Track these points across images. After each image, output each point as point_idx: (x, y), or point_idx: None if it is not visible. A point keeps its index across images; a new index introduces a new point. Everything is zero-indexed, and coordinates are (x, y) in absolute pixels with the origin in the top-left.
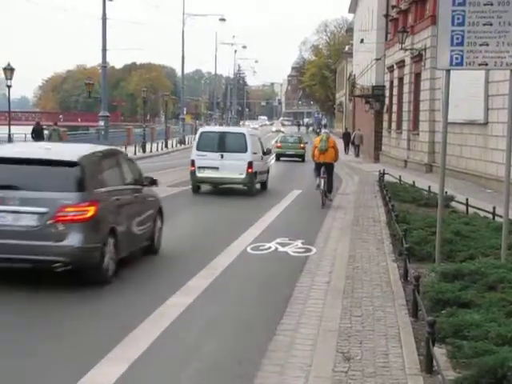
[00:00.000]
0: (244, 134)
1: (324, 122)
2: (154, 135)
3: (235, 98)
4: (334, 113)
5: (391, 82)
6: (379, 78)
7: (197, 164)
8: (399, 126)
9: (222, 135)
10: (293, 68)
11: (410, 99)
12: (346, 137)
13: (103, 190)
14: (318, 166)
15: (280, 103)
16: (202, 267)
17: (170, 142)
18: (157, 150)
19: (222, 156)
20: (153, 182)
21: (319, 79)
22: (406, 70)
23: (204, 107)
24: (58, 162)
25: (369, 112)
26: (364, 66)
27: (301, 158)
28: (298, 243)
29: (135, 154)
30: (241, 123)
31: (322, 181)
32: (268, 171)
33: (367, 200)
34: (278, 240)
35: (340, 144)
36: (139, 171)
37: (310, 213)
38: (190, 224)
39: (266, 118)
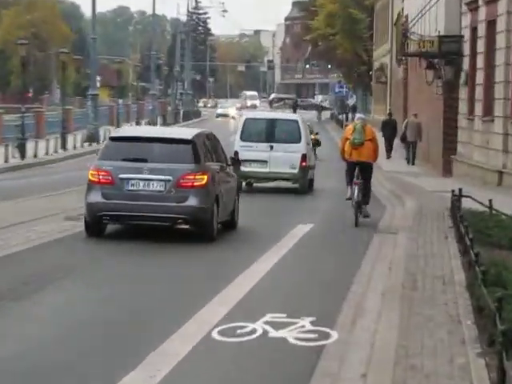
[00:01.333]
0: (297, 121)
1: (352, 101)
2: (42, 127)
3: (188, 58)
4: (370, 86)
5: (473, 30)
6: (451, 23)
7: (241, 156)
8: (489, 111)
9: (272, 122)
10: (294, 3)
11: (508, 60)
12: (390, 128)
13: (209, 163)
14: (351, 167)
15: (272, 67)
16: None
17: (70, 139)
18: (46, 153)
19: (271, 147)
20: (235, 162)
21: (343, 24)
22: (502, 5)
23: (133, 75)
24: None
25: (433, 84)
26: (424, 2)
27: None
28: (305, 323)
29: (6, 161)
30: (207, 103)
31: (356, 188)
32: (315, 166)
33: (431, 243)
34: (269, 317)
35: (379, 141)
36: (224, 151)
37: (327, 263)
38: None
39: (255, 94)
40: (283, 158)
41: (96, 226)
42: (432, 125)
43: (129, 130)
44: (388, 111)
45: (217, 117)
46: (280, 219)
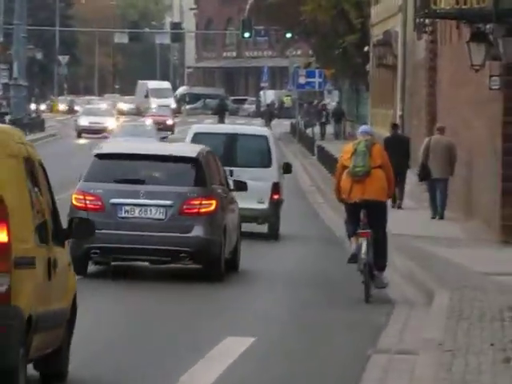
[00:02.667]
0: (266, 138)
1: (331, 101)
2: None
3: (22, 18)
4: (365, 73)
5: None
6: None
7: None
8: None
9: (231, 138)
10: None
11: None
12: (397, 152)
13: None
14: (353, 211)
15: (179, 38)
16: None
17: None
18: None
19: (230, 173)
20: (241, 188)
21: None
22: None
23: None
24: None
25: (484, 71)
26: None
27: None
28: None
29: None
30: (56, 104)
31: (364, 244)
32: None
33: (478, 372)
34: None
35: None
36: (225, 172)
37: None
38: None
39: (166, 86)
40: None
41: (81, 261)
42: (481, 148)
43: (119, 145)
44: (392, 122)
45: (79, 134)
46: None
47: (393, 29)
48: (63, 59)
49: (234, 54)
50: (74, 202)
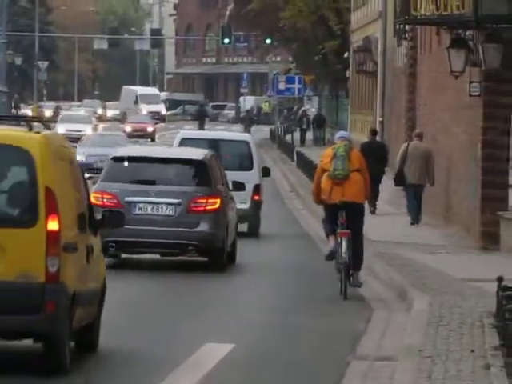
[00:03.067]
0: (248, 143)
1: (311, 106)
2: None
3: (1, 22)
4: (345, 79)
5: None
6: None
7: None
8: None
9: (215, 144)
10: None
11: None
12: (374, 158)
13: (219, 186)
14: (332, 212)
15: (159, 44)
16: None
17: None
18: None
19: None
20: (239, 188)
21: None
22: None
23: None
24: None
25: (464, 77)
26: None
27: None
28: None
29: None
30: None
31: (344, 243)
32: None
33: (458, 379)
34: None
35: None
36: (225, 175)
37: None
38: None
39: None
40: None
41: None
42: (461, 154)
43: (133, 149)
44: (371, 128)
45: None
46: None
47: (373, 35)
48: (42, 65)
49: (214, 59)
50: (93, 200)
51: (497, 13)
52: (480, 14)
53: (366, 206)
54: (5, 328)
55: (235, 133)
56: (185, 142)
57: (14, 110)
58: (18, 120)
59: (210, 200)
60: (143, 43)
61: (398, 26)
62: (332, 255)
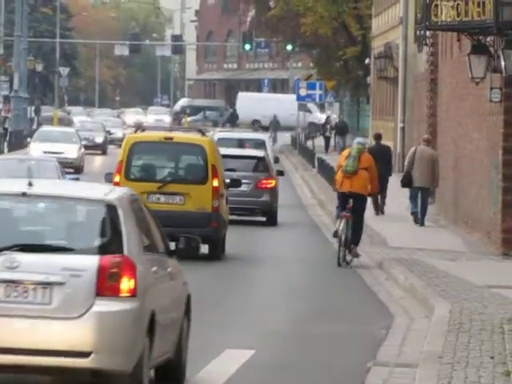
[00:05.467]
0: (264, 141)
1: (331, 113)
2: None
3: (23, 29)
4: (366, 85)
5: None
6: None
7: None
8: None
9: (242, 141)
10: None
11: None
12: (380, 162)
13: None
14: (342, 199)
15: (180, 50)
16: None
17: None
18: None
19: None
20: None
21: None
22: None
23: None
24: (257, 158)
25: (484, 84)
26: None
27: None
28: None
29: None
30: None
31: (343, 222)
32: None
33: None
34: None
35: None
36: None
37: None
38: None
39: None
40: None
41: None
42: (482, 160)
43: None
44: (375, 133)
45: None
46: None
47: (393, 41)
48: (63, 71)
49: (235, 65)
50: None
51: None
52: (501, 21)
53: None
54: (193, 234)
55: (255, 133)
56: (220, 141)
57: (34, 115)
58: (191, 131)
59: (269, 181)
60: (164, 49)
61: (418, 32)
62: (336, 233)
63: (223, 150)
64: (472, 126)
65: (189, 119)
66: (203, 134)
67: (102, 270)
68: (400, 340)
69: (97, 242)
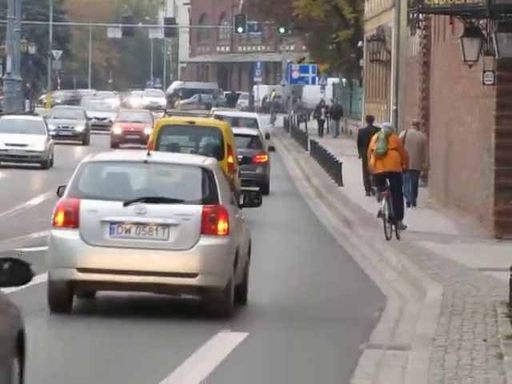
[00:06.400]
0: (256, 119)
1: (324, 95)
2: None
3: (16, 12)
4: (359, 68)
5: None
6: None
7: None
8: None
9: (236, 119)
10: None
11: None
12: (370, 138)
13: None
14: (378, 180)
15: (173, 33)
16: None
17: None
18: None
19: None
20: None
21: None
22: None
23: None
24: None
25: (477, 67)
26: None
27: None
28: None
29: None
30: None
31: (384, 199)
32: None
33: (471, 368)
34: None
35: (354, 164)
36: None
37: None
38: None
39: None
40: None
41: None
42: (474, 143)
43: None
44: (367, 115)
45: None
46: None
47: (386, 24)
48: (57, 54)
49: (228, 48)
50: None
51: (510, 2)
52: (493, 3)
53: (363, 189)
54: None
55: (248, 113)
56: (218, 117)
57: (26, 99)
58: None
59: (263, 156)
60: (157, 32)
61: (411, 15)
62: (380, 213)
63: None
64: (464, 109)
65: (181, 102)
66: (220, 118)
67: (204, 215)
68: (393, 322)
69: (200, 195)
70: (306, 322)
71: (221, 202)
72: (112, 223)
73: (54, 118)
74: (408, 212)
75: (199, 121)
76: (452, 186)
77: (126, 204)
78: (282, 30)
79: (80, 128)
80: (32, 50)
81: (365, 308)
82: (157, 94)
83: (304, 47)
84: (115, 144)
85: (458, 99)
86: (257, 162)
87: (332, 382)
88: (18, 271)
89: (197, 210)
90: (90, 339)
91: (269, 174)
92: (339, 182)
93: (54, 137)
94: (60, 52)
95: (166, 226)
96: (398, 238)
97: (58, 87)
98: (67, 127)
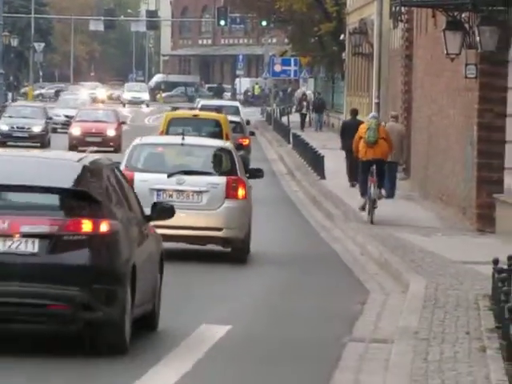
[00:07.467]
0: (238, 107)
1: (306, 89)
2: None
3: (1, 2)
4: (341, 61)
5: None
6: None
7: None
8: None
9: (220, 108)
10: None
11: None
12: (353, 131)
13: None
14: (366, 166)
15: (155, 26)
16: None
17: None
18: None
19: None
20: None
21: None
22: None
23: None
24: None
25: (460, 60)
26: None
27: None
28: None
29: None
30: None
31: (372, 186)
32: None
33: (454, 360)
34: None
35: (337, 157)
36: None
37: None
38: None
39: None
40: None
41: None
42: (457, 136)
43: None
44: (352, 108)
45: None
46: None
47: (368, 17)
48: (39, 46)
49: (210, 41)
50: None
51: None
52: None
53: (345, 181)
54: None
55: (230, 101)
56: (203, 107)
57: (8, 92)
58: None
59: (245, 139)
60: (139, 25)
61: (393, 8)
62: (363, 208)
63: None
64: (447, 102)
65: (164, 95)
66: (219, 112)
67: (228, 184)
68: (375, 315)
69: (224, 169)
70: (288, 315)
71: (239, 175)
72: (158, 190)
73: (9, 116)
74: (389, 204)
75: (202, 114)
76: (434, 178)
77: (169, 176)
78: (264, 23)
79: (37, 128)
80: (14, 42)
81: (347, 301)
82: (140, 88)
83: (286, 40)
84: (73, 147)
85: (440, 92)
86: (239, 144)
87: (315, 375)
88: (165, 210)
89: (222, 180)
90: None
91: (249, 154)
92: (321, 175)
93: (5, 137)
94: (42, 45)
95: (199, 192)
96: (372, 221)
97: (40, 80)
98: (23, 128)
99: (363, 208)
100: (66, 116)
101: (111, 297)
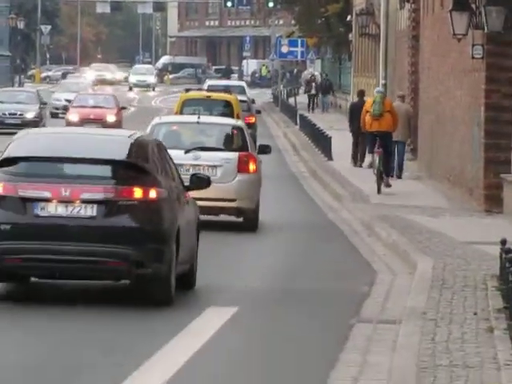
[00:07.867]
0: (244, 86)
1: (313, 71)
2: None
3: None
4: (348, 43)
5: None
6: None
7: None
8: None
9: (227, 87)
10: None
11: None
12: (361, 112)
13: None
14: (372, 138)
15: (162, 8)
16: None
17: None
18: None
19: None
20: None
21: None
22: None
23: None
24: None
25: (466, 40)
26: None
27: None
28: None
29: None
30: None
31: (377, 158)
32: None
33: (461, 341)
34: None
35: (344, 138)
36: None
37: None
38: None
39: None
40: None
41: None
42: (464, 117)
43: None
44: (359, 89)
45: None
46: None
47: None
48: (45, 29)
49: (217, 23)
50: None
51: None
52: None
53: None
54: None
55: (237, 81)
56: (210, 87)
57: (16, 75)
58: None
59: (251, 117)
60: (146, 7)
61: None
62: (371, 166)
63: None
64: (454, 83)
65: (171, 76)
66: (230, 93)
67: (240, 159)
68: (383, 296)
69: (236, 145)
70: (296, 296)
71: (250, 150)
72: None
73: (1, 102)
74: (397, 185)
75: (214, 95)
76: (442, 159)
77: (186, 152)
78: (270, 4)
79: (30, 115)
80: (21, 25)
81: (355, 282)
82: (146, 70)
83: (293, 21)
84: None
85: (447, 73)
86: (246, 122)
87: (322, 356)
88: (202, 181)
89: (234, 155)
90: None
91: (256, 132)
92: (329, 156)
93: None
94: (49, 27)
95: (214, 166)
96: (379, 190)
97: (47, 62)
98: (15, 114)
99: (371, 165)
100: (67, 100)
101: (160, 255)
